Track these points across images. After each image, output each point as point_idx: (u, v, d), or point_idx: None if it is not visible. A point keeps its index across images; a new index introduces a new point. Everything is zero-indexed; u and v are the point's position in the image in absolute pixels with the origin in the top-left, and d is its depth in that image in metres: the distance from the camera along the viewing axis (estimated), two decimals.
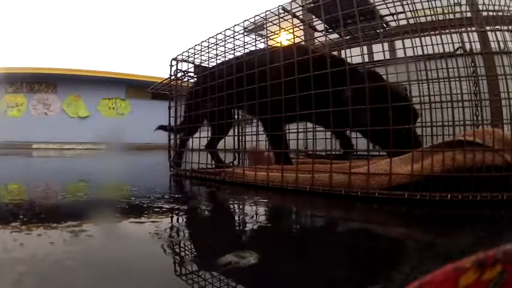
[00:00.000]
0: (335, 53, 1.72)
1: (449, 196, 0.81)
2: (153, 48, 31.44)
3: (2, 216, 0.73)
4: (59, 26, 28.98)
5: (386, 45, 1.61)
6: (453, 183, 0.82)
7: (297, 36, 1.41)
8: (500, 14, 1.09)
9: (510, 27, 1.02)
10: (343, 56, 1.57)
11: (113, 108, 10.19)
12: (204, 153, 1.58)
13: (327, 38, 1.47)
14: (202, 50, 1.51)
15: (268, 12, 1.28)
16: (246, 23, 1.32)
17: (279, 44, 1.31)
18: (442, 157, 0.85)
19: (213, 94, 1.40)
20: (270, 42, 1.45)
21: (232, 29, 1.35)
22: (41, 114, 9.60)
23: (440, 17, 1.07)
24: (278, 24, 1.26)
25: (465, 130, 1.12)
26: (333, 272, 0.44)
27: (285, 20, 1.26)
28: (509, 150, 0.83)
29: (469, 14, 1.13)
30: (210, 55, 1.52)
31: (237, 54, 1.42)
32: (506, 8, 1.10)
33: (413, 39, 1.03)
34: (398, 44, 1.69)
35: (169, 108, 1.69)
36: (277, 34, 1.41)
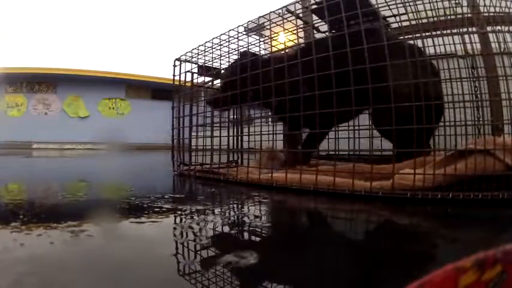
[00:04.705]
0: None
1: (450, 195, 0.82)
2: (153, 48, 31.47)
3: (2, 216, 0.73)
4: (58, 25, 29.01)
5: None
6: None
7: (300, 37, 1.41)
8: (501, 14, 1.09)
9: (511, 28, 1.02)
10: None
11: (113, 108, 10.18)
12: (208, 152, 1.57)
13: None
14: (206, 50, 1.51)
15: (271, 14, 1.28)
16: (251, 24, 1.33)
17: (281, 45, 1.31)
18: (444, 169, 0.86)
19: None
20: (273, 43, 1.45)
21: (236, 29, 1.35)
22: (41, 114, 9.59)
23: (442, 19, 1.08)
24: (282, 25, 1.26)
25: (466, 130, 1.12)
26: (334, 271, 0.44)
27: (288, 21, 1.26)
28: (509, 153, 0.84)
29: (469, 15, 1.13)
30: (214, 55, 1.52)
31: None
32: (506, 9, 1.10)
33: (415, 41, 1.03)
34: None
35: (173, 108, 1.68)
36: (280, 34, 1.41)
